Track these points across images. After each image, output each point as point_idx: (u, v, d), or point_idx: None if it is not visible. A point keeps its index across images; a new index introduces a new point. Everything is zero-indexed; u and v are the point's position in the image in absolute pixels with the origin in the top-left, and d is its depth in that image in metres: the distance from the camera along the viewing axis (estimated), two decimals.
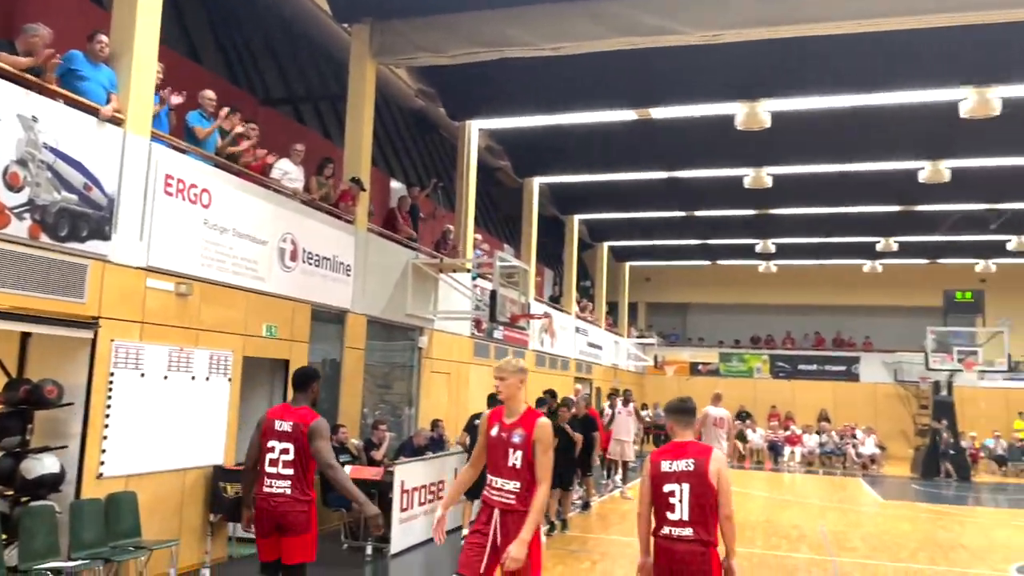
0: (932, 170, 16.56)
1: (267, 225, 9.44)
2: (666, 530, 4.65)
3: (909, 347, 28.58)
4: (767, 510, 14.88)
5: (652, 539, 4.75)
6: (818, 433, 26.45)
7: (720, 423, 14.81)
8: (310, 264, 10.29)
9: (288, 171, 10.27)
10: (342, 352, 11.21)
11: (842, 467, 24.91)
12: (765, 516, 13.87)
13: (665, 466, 4.74)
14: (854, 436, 26.27)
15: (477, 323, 15.39)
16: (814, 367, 32.38)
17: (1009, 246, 23.76)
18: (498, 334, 17.23)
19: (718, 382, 32.89)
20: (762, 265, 29.71)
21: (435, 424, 12.49)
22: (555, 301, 23.60)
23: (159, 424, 7.70)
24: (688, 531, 4.58)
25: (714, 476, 4.66)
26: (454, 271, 14.23)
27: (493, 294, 12.73)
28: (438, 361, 14.36)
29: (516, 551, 4.53)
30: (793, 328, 33.89)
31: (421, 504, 10.18)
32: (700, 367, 33.84)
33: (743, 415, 29.70)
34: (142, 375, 7.47)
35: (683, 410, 4.98)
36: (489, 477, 4.83)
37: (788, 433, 26.43)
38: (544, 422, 4.76)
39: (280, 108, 14.46)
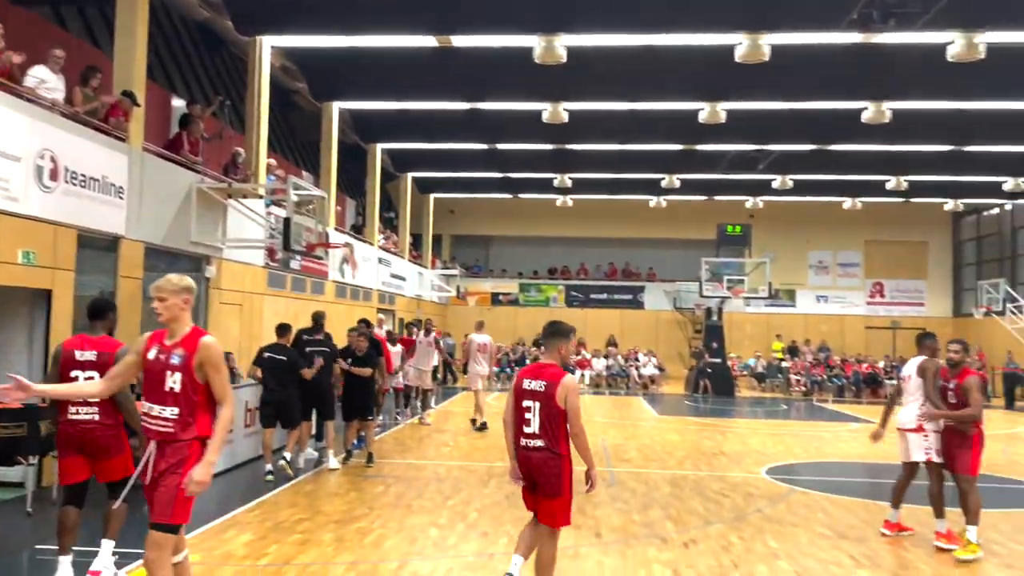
0: (710, 111, 17.77)
1: (20, 139, 8.46)
2: (523, 441, 5.33)
3: (687, 277, 31.06)
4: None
5: (515, 447, 5.39)
6: (605, 357, 28.24)
7: (483, 348, 15.84)
8: (74, 184, 9.38)
9: (45, 79, 9.24)
10: (116, 282, 10.41)
11: (626, 387, 26.86)
12: None
13: (525, 384, 5.34)
14: (637, 359, 28.33)
15: (271, 252, 14.84)
16: (604, 296, 34.36)
17: (774, 184, 26.15)
18: (295, 264, 16.72)
19: (517, 311, 34.18)
20: (560, 199, 30.79)
21: (225, 357, 11.99)
22: (357, 231, 23.21)
23: None
24: (539, 442, 5.27)
25: (561, 399, 5.23)
26: (245, 197, 13.56)
27: (287, 222, 12.30)
28: (228, 292, 13.74)
29: (199, 474, 4.27)
30: (587, 260, 35.63)
31: None
32: (501, 297, 34.86)
33: (540, 342, 31.09)
34: None
35: (548, 333, 5.53)
36: (146, 405, 4.42)
37: (579, 358, 27.95)
38: (208, 341, 4.42)
39: (36, 9, 12.86)
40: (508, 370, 27.40)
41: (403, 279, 26.86)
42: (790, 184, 25.97)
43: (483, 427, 15.20)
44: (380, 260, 24.00)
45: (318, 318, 11.68)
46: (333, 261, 19.34)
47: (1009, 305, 26.19)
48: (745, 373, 29.54)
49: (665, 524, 8.07)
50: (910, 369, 7.79)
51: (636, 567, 6.55)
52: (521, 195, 31.69)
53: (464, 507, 8.58)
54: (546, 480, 5.31)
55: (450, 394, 22.95)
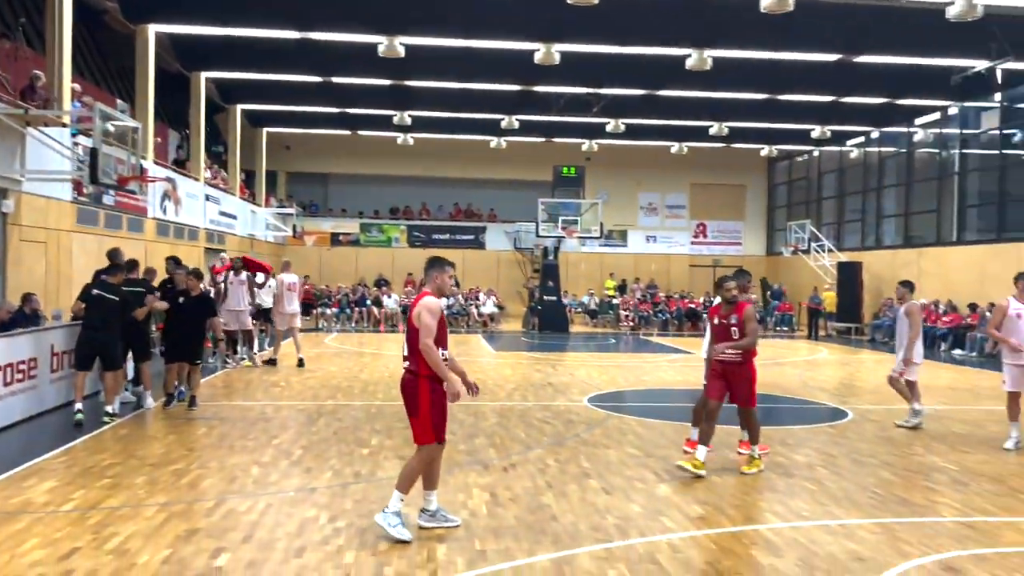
0: (545, 52, 17.97)
1: None
2: (403, 364, 5.80)
3: (527, 218, 31.65)
4: (392, 367, 15.83)
5: None
6: (446, 296, 28.43)
7: (292, 287, 15.88)
8: None
9: None
10: None
11: (466, 326, 27.26)
12: (388, 373, 14.77)
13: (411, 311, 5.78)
14: (477, 298, 28.77)
15: (78, 186, 13.74)
16: (447, 236, 34.44)
17: (608, 128, 26.96)
18: (109, 199, 15.61)
19: (359, 252, 33.67)
20: (400, 137, 30.32)
21: (27, 298, 11.13)
22: (180, 165, 21.89)
23: None
24: (406, 363, 5.72)
25: (416, 318, 5.59)
26: (46, 125, 12.42)
27: (93, 152, 11.42)
28: (30, 228, 12.68)
29: None
30: (429, 200, 35.47)
31: (7, 384, 9.15)
32: (341, 237, 34.16)
33: (381, 282, 30.89)
34: None
35: (427, 266, 5.93)
36: None
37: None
38: None
39: None
40: (347, 310, 27.08)
41: (234, 217, 25.71)
42: (622, 128, 26.85)
43: (301, 363, 15.37)
44: (208, 197, 22.83)
45: (114, 256, 10.74)
46: (153, 197, 18.22)
47: (813, 244, 28.56)
48: (579, 310, 30.72)
49: (488, 451, 8.38)
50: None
51: (456, 492, 6.79)
52: (360, 132, 30.94)
53: (290, 445, 8.53)
54: (406, 399, 5.73)
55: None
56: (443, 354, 5.66)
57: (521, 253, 33.36)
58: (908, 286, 10.56)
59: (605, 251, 34.45)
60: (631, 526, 5.96)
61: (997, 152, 23.01)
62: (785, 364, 17.88)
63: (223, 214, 24.54)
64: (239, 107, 26.50)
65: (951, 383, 15.03)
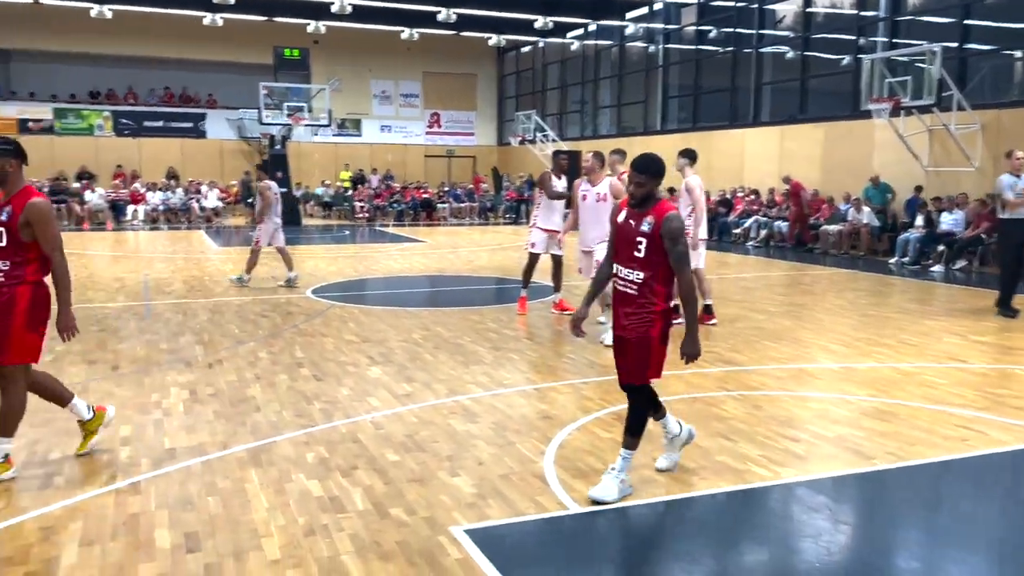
0: None
1: None
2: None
3: (251, 105, 29.61)
4: (97, 267, 14.38)
5: None
6: (163, 190, 26.20)
7: None
8: None
9: None
10: None
11: (188, 222, 25.38)
12: (88, 272, 13.40)
13: None
14: (199, 191, 26.80)
15: None
16: (161, 124, 31.43)
17: (333, 8, 25.62)
18: None
19: (54, 141, 29.70)
20: (95, 8, 26.65)
21: None
22: None
23: None
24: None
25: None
26: None
27: None
28: None
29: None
30: (136, 83, 31.95)
31: None
32: (31, 124, 29.85)
33: (85, 175, 27.63)
34: None
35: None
36: None
37: (131, 191, 25.57)
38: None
39: None
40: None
41: None
42: (349, 9, 25.67)
43: None
44: None
45: None
46: None
47: (539, 134, 29.75)
48: (312, 202, 29.79)
49: (194, 349, 7.93)
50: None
51: (150, 392, 6.36)
52: (45, 1, 26.74)
53: None
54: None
55: None
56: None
57: (247, 142, 31.38)
58: (689, 156, 9.00)
59: (340, 141, 33.43)
60: (337, 409, 5.96)
61: (694, 48, 25.08)
62: (510, 249, 18.70)
63: None
64: None
65: None
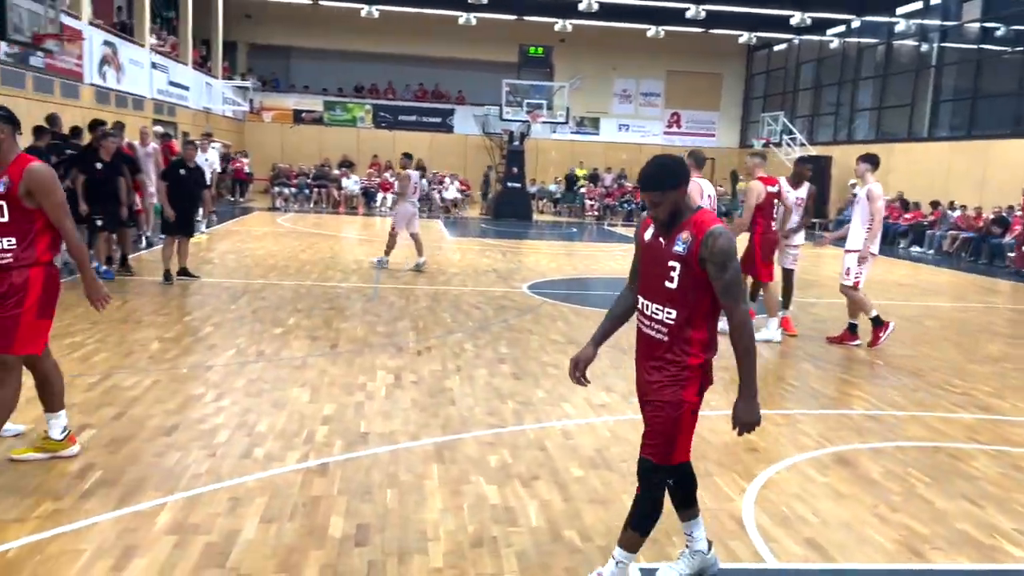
0: None
1: None
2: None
3: (496, 101, 30.60)
4: (341, 249, 15.45)
5: None
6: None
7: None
8: None
9: None
10: None
11: (428, 211, 26.72)
12: (332, 253, 14.42)
13: None
14: (442, 183, 28.14)
15: None
16: (414, 118, 33.41)
17: (581, 6, 25.73)
18: (38, 61, 14.65)
19: (323, 131, 32.62)
20: (365, 9, 28.85)
21: None
22: (124, 29, 20.65)
23: None
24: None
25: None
26: None
27: (1, 4, 10.52)
28: None
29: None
30: (395, 79, 34.19)
31: None
32: (304, 115, 33.03)
33: (346, 164, 30.04)
34: None
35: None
36: None
37: (381, 180, 27.37)
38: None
39: None
40: (306, 191, 26.40)
41: (186, 89, 24.59)
42: (595, 7, 25.65)
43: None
44: (155, 65, 21.70)
45: (49, 120, 10.68)
46: (90, 61, 17.21)
47: (786, 137, 28.00)
48: (545, 198, 30.24)
49: (408, 335, 8.13)
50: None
51: (359, 373, 6.55)
52: (322, 2, 29.39)
53: (200, 323, 8.22)
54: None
55: (229, 215, 21.91)
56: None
57: (490, 138, 32.52)
58: (871, 161, 8.21)
59: (577, 139, 33.69)
60: (529, 412, 5.77)
61: (975, 47, 22.28)
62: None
63: (173, 84, 23.43)
64: None
65: (902, 279, 14.93)
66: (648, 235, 3.25)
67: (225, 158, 24.63)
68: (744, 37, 31.13)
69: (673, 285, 3.12)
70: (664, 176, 3.11)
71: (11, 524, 3.70)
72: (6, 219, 4.11)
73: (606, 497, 4.37)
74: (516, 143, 26.17)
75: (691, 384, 3.16)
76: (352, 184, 26.96)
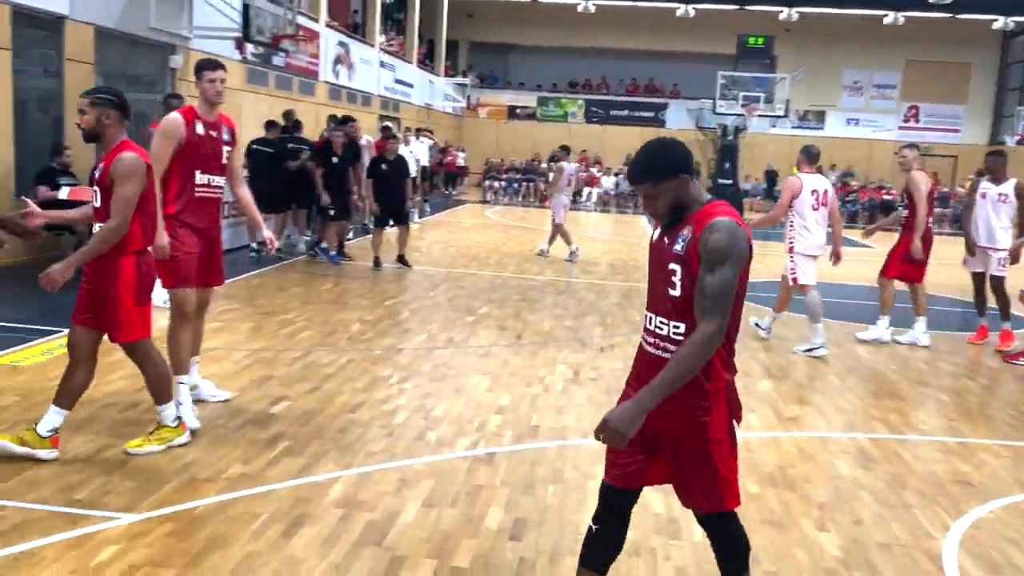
0: None
1: None
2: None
3: (711, 95, 29.62)
4: (540, 242, 15.63)
5: None
6: (616, 175, 27.65)
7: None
8: None
9: None
10: (62, 65, 10.07)
11: (634, 207, 26.44)
12: (532, 247, 14.61)
13: None
14: None
15: (239, 44, 14.19)
16: (625, 113, 33.16)
17: None
18: (278, 60, 16.10)
19: (535, 126, 33.27)
20: (582, 4, 29.03)
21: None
22: (355, 30, 22.21)
23: None
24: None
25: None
26: None
27: (246, 8, 11.64)
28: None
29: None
30: (608, 74, 34.09)
31: None
32: (518, 111, 33.85)
33: (554, 158, 30.45)
34: None
35: None
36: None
37: (587, 175, 27.44)
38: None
39: None
40: (515, 185, 27.05)
41: (410, 86, 26.01)
42: None
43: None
44: (382, 64, 23.14)
45: (285, 115, 12.09)
46: (325, 60, 18.65)
47: None
48: (759, 196, 28.88)
49: (594, 330, 8.03)
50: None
51: (540, 366, 6.55)
52: None
53: (400, 307, 8.62)
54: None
55: (441, 207, 22.85)
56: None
57: (703, 133, 31.55)
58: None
59: (797, 133, 31.77)
60: None
61: None
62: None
63: (399, 82, 24.86)
64: None
65: None
66: (655, 236, 2.73)
67: (440, 151, 25.77)
68: (999, 22, 27.84)
69: (677, 293, 2.58)
70: (654, 165, 2.57)
71: (204, 483, 4.04)
72: (99, 205, 4.15)
73: (781, 519, 4.03)
74: (730, 138, 25.21)
75: (715, 418, 2.63)
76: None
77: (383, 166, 10.84)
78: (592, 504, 4.00)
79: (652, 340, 2.69)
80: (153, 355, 4.34)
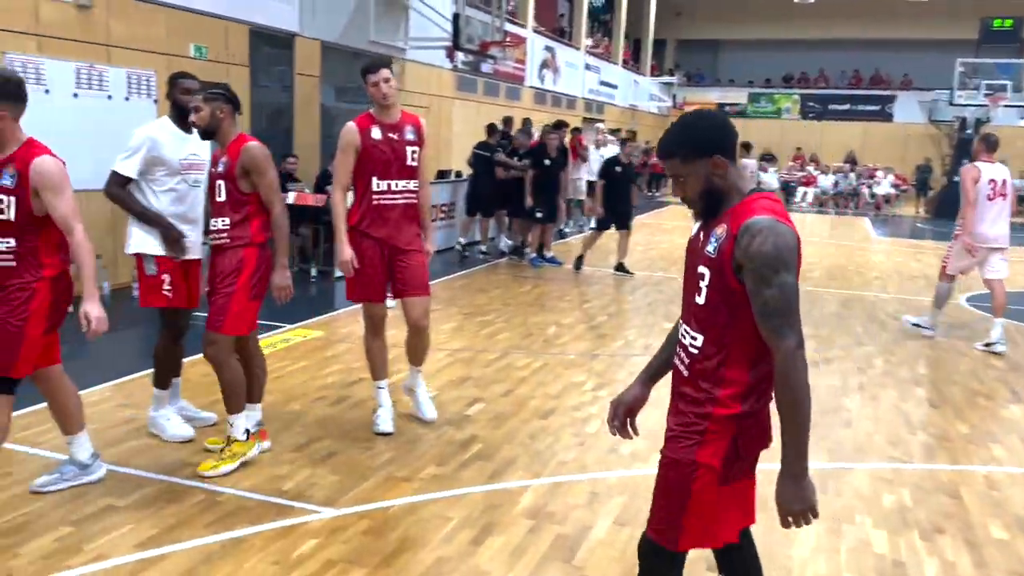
0: None
1: None
2: None
3: (947, 85, 26.89)
4: None
5: None
6: (835, 173, 25.85)
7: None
8: None
9: None
10: (293, 78, 10.88)
11: (855, 208, 24.58)
12: None
13: None
14: (872, 177, 25.65)
15: (449, 53, 14.68)
16: (846, 107, 31.04)
17: None
18: (486, 68, 16.53)
19: (744, 123, 31.87)
20: None
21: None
22: (560, 34, 22.37)
23: (70, 143, 7.68)
24: None
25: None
26: None
27: (455, 17, 12.00)
28: (414, 95, 13.93)
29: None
30: (828, 65, 32.05)
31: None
32: (728, 108, 32.63)
33: (767, 157, 29.04)
34: (46, 91, 7.35)
35: None
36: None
37: (803, 174, 25.88)
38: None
39: None
40: None
41: (614, 87, 25.85)
42: None
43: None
44: (587, 66, 23.14)
45: (503, 122, 12.83)
46: (531, 66, 18.93)
47: None
48: None
49: (808, 343, 7.40)
50: None
51: None
52: None
53: (598, 311, 8.45)
54: None
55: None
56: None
57: (937, 126, 28.74)
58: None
59: None
60: (944, 449, 4.82)
61: None
62: None
63: (603, 84, 24.78)
64: None
65: None
66: (694, 231, 2.30)
67: (644, 152, 25.36)
68: None
69: (701, 300, 2.19)
70: (687, 138, 2.17)
71: (400, 482, 4.09)
72: (223, 199, 4.08)
73: None
74: (969, 131, 22.72)
75: (711, 442, 2.18)
76: (769, 178, 25.86)
77: (616, 168, 10.55)
78: (803, 539, 3.63)
79: (678, 350, 2.34)
80: (232, 357, 4.17)
